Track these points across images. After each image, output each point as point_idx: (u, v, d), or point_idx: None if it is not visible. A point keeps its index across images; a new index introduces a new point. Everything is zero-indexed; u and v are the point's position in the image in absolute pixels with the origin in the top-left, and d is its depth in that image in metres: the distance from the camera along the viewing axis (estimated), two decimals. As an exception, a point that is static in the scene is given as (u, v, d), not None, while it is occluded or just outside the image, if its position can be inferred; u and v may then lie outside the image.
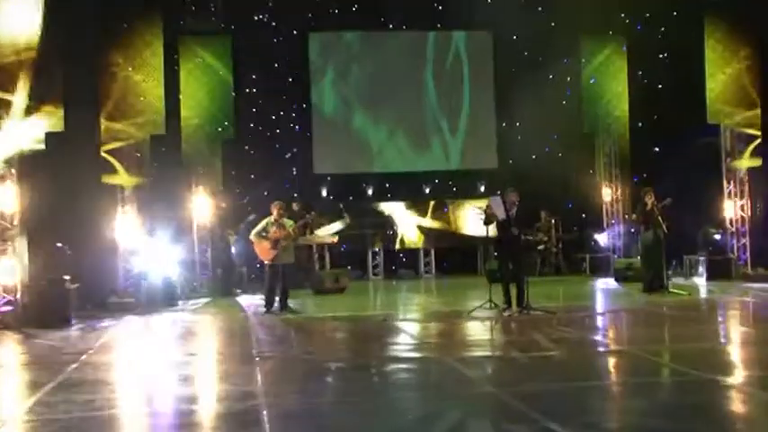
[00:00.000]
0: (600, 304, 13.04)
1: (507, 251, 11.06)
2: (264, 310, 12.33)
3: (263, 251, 12.56)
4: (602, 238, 19.03)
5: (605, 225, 19.23)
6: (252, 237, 12.74)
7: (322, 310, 12.57)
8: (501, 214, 10.86)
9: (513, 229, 10.97)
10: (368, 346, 9.03)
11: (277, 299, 12.48)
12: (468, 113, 20.21)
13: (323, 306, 13.18)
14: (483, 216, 11.51)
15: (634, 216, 13.73)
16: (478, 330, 10.07)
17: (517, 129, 19.50)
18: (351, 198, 19.63)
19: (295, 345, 9.53)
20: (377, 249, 19.37)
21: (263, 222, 12.68)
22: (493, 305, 11.35)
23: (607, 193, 19.31)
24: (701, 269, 15.79)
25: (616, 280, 15.97)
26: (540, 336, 9.05)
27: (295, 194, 18.06)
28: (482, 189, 19.63)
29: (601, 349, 8.59)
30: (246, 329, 10.63)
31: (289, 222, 12.75)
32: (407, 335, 9.77)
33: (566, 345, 8.55)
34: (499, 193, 11.35)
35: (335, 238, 17.60)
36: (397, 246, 19.84)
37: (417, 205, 19.96)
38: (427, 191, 20.23)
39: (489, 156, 20.24)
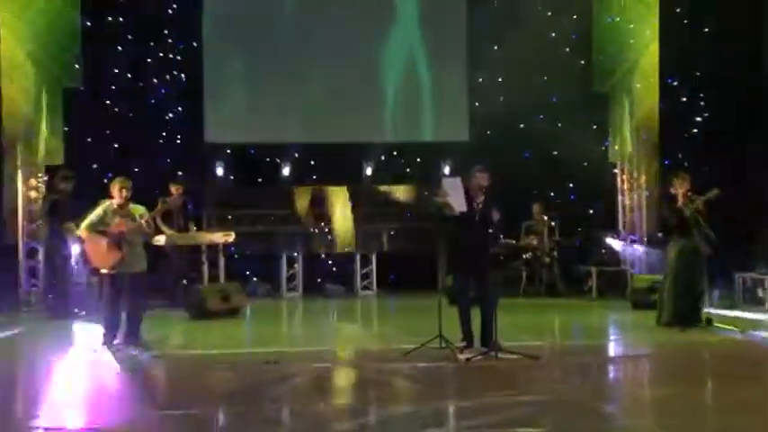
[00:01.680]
0: (612, 345, 12.16)
1: (467, 260, 10.06)
2: (102, 341, 11.20)
3: (99, 254, 11.34)
4: (615, 245, 18.50)
5: (621, 226, 18.77)
6: (81, 231, 11.52)
7: (191, 346, 11.86)
8: (459, 204, 9.95)
9: (476, 227, 10.15)
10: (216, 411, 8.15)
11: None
12: (428, 65, 19.95)
13: (195, 339, 12.47)
14: (431, 205, 10.69)
15: (664, 212, 12.85)
16: (405, 390, 8.96)
17: (498, 86, 19.15)
18: (259, 180, 19.68)
19: (102, 411, 8.29)
20: (295, 254, 18.79)
21: (99, 210, 11.39)
22: (444, 343, 10.43)
23: (625, 181, 18.75)
24: (764, 293, 14.85)
25: (634, 306, 15.24)
26: (504, 403, 7.81)
27: (179, 172, 17.54)
28: (446, 171, 19.01)
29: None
30: (38, 381, 9.63)
31: (138, 209, 11.53)
32: (290, 390, 8.98)
33: (549, 424, 7.16)
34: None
35: (231, 237, 16.59)
36: (323, 250, 19.63)
37: (353, 192, 19.74)
38: (368, 172, 19.96)
39: (457, 124, 20.01)
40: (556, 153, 18.45)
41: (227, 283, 15.99)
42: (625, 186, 18.81)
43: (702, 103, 16.72)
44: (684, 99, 16.80)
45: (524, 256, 17.86)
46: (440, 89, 19.88)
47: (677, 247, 12.65)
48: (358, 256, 19.14)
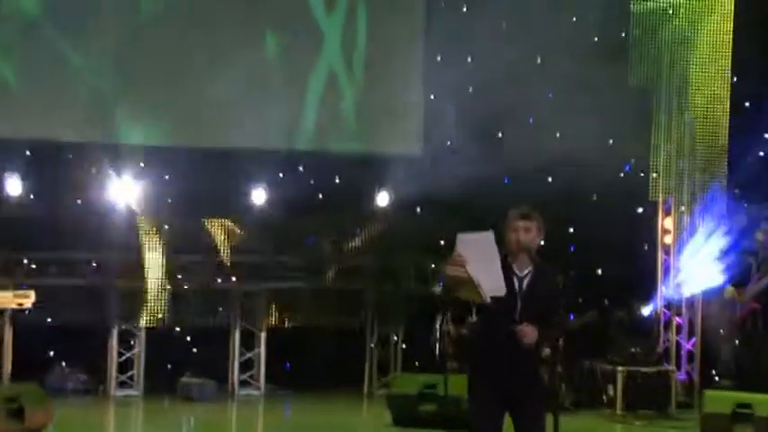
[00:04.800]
0: None
1: (499, 380, 7.31)
2: None
3: None
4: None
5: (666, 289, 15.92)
6: None
7: None
8: (492, 284, 7.06)
9: (517, 323, 7.32)
10: None
11: None
12: (365, 35, 17.30)
13: None
14: (442, 287, 8.31)
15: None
16: None
17: (468, 72, 16.20)
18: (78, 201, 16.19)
19: None
20: (134, 327, 15.90)
21: None
22: None
23: (669, 224, 15.99)
24: None
25: None
26: None
27: None
28: (382, 201, 16.30)
29: None
30: None
31: None
32: None
33: None
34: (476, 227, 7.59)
35: (28, 299, 14.02)
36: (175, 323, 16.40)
37: (226, 227, 16.38)
38: (254, 199, 16.25)
39: (403, 129, 17.10)
40: (565, 176, 15.45)
41: (18, 384, 13.60)
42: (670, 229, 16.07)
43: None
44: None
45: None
46: (375, 75, 17.19)
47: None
48: (237, 333, 15.84)
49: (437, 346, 13.79)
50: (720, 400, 12.66)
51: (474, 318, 13.35)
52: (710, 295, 15.14)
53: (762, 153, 15.52)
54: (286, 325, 16.42)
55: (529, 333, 7.02)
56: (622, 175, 16.61)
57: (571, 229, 16.78)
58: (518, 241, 7.21)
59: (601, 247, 16.35)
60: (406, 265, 15.36)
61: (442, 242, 15.21)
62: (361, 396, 15.93)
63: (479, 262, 7.03)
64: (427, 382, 12.33)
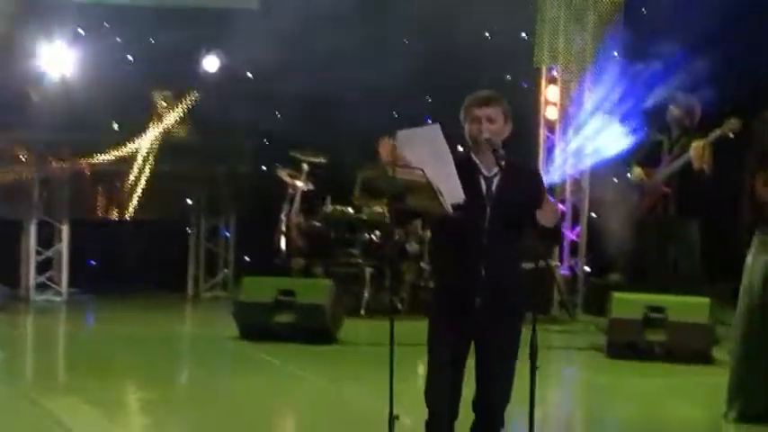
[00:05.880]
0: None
1: (464, 301, 6.29)
2: None
3: None
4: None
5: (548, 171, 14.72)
6: None
7: None
8: (451, 191, 6.07)
9: (488, 235, 6.32)
10: None
11: None
12: None
13: None
14: (388, 191, 6.48)
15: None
16: None
17: None
18: None
19: None
20: None
21: None
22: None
23: (554, 95, 14.60)
24: None
25: (611, 352, 11.55)
26: None
27: None
28: (210, 65, 14.68)
29: None
30: None
31: None
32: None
33: None
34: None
35: None
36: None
37: None
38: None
39: None
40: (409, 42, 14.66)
41: None
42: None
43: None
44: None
45: (368, 237, 13.11)
46: None
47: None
48: (32, 228, 14.07)
49: (282, 240, 12.43)
50: (630, 303, 11.68)
51: (329, 207, 12.09)
52: (602, 178, 13.94)
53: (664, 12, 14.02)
54: (92, 217, 14.89)
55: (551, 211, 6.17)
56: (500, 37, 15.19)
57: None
58: (480, 133, 6.17)
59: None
60: (238, 143, 13.61)
61: (279, 115, 13.81)
62: (186, 300, 14.60)
63: (429, 163, 6.08)
64: (282, 287, 11.13)
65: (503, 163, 6.20)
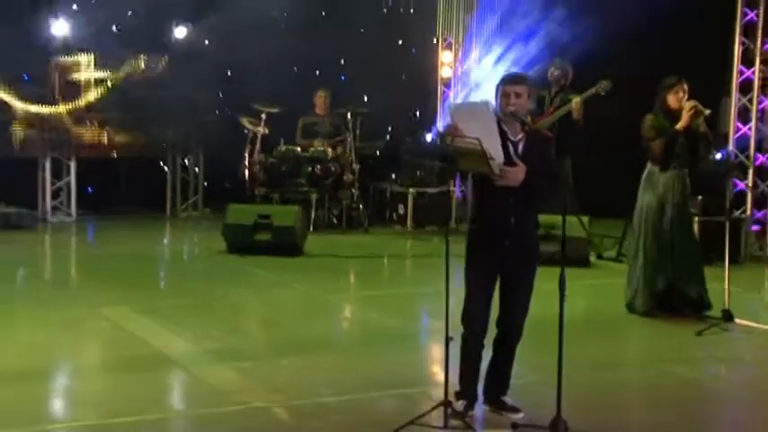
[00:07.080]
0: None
1: (496, 253, 6.85)
2: None
3: None
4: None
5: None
6: None
7: None
8: (496, 157, 6.60)
9: (513, 196, 6.83)
10: None
11: None
12: None
13: None
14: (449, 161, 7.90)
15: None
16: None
17: None
18: None
19: None
20: None
21: None
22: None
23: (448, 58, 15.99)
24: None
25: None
26: None
27: None
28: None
29: None
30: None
31: None
32: None
33: None
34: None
35: None
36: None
37: None
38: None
39: None
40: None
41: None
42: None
43: None
44: None
45: (311, 169, 14.58)
46: None
47: (654, 183, 9.93)
48: (47, 164, 15.58)
49: (246, 173, 14.23)
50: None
51: (282, 147, 14.08)
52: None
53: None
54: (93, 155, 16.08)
55: (512, 172, 6.72)
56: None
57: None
58: (507, 106, 6.92)
59: (397, 84, 16.55)
60: (207, 97, 14.91)
61: (230, 73, 15.19)
62: (166, 219, 16.18)
63: (480, 133, 6.69)
64: (261, 212, 12.74)
65: (526, 128, 6.80)
